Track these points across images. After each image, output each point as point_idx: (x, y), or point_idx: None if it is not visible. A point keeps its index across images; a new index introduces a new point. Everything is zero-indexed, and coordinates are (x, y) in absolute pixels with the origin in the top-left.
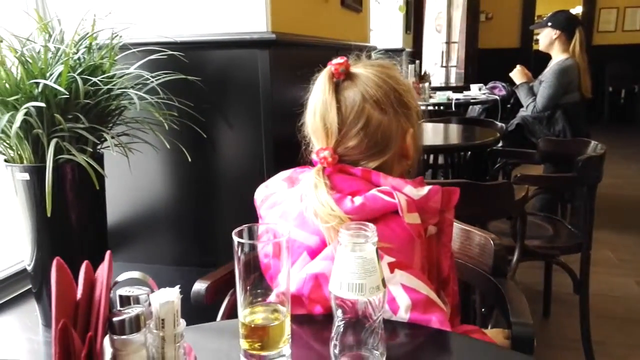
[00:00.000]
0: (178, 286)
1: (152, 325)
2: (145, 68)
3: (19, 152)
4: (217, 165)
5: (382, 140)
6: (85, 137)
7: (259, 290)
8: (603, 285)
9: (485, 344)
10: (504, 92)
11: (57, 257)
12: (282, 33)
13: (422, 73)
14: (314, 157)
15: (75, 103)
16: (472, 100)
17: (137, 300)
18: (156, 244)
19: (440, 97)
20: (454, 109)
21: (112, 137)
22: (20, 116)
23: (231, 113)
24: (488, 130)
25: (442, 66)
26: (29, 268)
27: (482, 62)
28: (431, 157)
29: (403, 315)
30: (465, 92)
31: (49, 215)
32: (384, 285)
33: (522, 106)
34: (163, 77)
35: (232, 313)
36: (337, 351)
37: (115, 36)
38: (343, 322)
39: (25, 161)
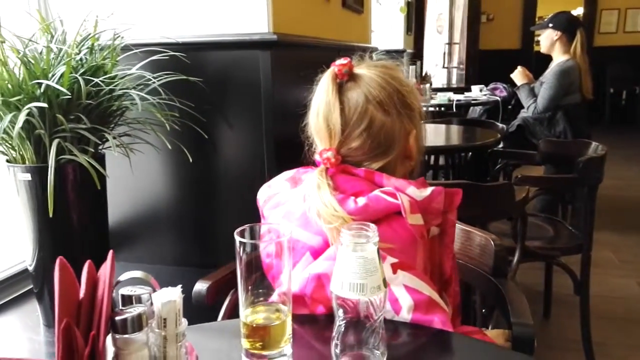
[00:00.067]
0: (180, 285)
1: (154, 324)
2: (147, 69)
3: (21, 153)
4: (218, 166)
5: (385, 141)
6: (87, 137)
7: (260, 290)
8: (604, 286)
9: (486, 344)
10: (504, 93)
11: (60, 257)
12: (283, 34)
13: (423, 74)
14: (317, 157)
15: (77, 103)
16: (473, 102)
17: (139, 300)
18: (157, 244)
19: (441, 98)
20: (454, 110)
21: (114, 138)
22: (22, 117)
23: (232, 114)
24: (489, 131)
25: (443, 67)
26: (31, 268)
27: (483, 63)
28: (432, 158)
29: (405, 315)
30: (466, 93)
31: (50, 215)
32: (385, 285)
33: (523, 107)
34: (165, 78)
35: (233, 313)
36: (338, 351)
37: (117, 37)
38: (344, 321)
39: (27, 161)
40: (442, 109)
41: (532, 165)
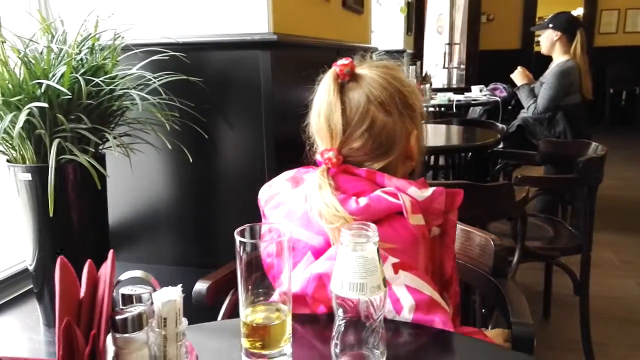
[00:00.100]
0: (180, 285)
1: (155, 323)
2: (147, 69)
3: (21, 152)
4: (218, 166)
5: (387, 141)
6: (87, 137)
7: (260, 290)
8: (603, 287)
9: (487, 344)
10: (504, 94)
11: (61, 256)
12: (283, 34)
13: (423, 74)
14: (318, 157)
15: (78, 103)
16: (473, 102)
17: (139, 299)
18: (157, 244)
19: (441, 98)
20: (454, 110)
21: (114, 138)
22: (23, 116)
23: (232, 113)
24: (489, 131)
25: (444, 67)
26: (31, 268)
27: (483, 64)
28: (432, 158)
29: (406, 315)
30: (466, 94)
31: (51, 215)
32: (385, 284)
33: (523, 107)
34: (165, 78)
35: (232, 313)
36: (338, 350)
37: (118, 37)
38: (344, 321)
39: (27, 161)
40: (442, 109)
41: (532, 166)
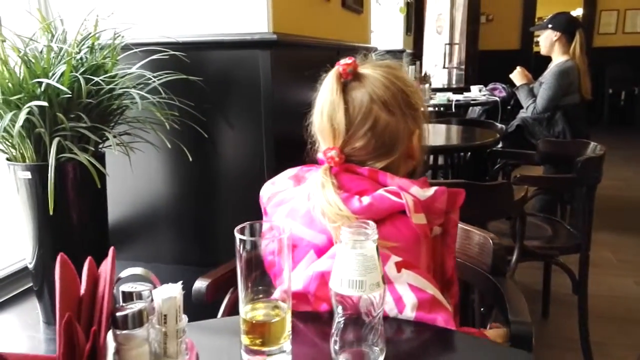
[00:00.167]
0: (180, 282)
1: (155, 320)
2: (147, 68)
3: (21, 151)
4: (217, 165)
5: (390, 141)
6: (87, 136)
7: (260, 287)
8: (602, 286)
9: (486, 341)
10: (504, 94)
11: (62, 253)
12: (283, 34)
13: (423, 74)
14: (320, 156)
15: (78, 102)
16: (472, 102)
17: (139, 296)
18: (157, 242)
19: (440, 98)
20: (454, 110)
21: (114, 137)
22: (22, 115)
23: (232, 113)
24: (488, 131)
25: (444, 67)
26: (30, 266)
27: (482, 64)
28: (431, 157)
29: (409, 314)
30: (466, 94)
31: (51, 213)
32: (384, 282)
33: (522, 107)
34: (165, 77)
35: (232, 311)
36: (337, 347)
37: (118, 36)
38: (343, 318)
39: (27, 160)
40: (442, 109)
41: (531, 165)
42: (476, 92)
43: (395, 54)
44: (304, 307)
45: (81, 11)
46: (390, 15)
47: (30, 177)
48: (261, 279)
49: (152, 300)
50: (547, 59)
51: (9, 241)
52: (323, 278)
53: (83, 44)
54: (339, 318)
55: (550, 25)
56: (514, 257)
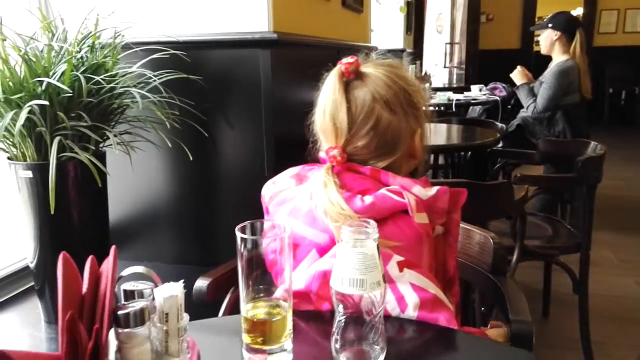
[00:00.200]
0: (182, 281)
1: (156, 318)
2: (148, 67)
3: (22, 150)
4: (218, 164)
5: (392, 140)
6: (87, 135)
7: (261, 286)
8: (602, 285)
9: (488, 341)
10: (504, 93)
11: (64, 252)
12: (283, 33)
13: (423, 74)
14: (322, 155)
15: (78, 101)
16: (472, 101)
17: (141, 295)
18: (157, 242)
19: (440, 97)
20: (454, 109)
21: (115, 136)
22: (23, 114)
23: (232, 112)
24: (488, 130)
25: (444, 67)
26: (32, 265)
27: (482, 63)
28: (432, 157)
29: (411, 313)
30: (466, 93)
31: (52, 212)
32: (385, 281)
33: (522, 107)
34: (165, 76)
35: (233, 310)
36: (338, 346)
37: (118, 35)
38: (344, 317)
39: (28, 159)
40: (442, 108)
41: (532, 165)
42: (476, 92)
43: (396, 53)
44: (306, 306)
45: (82, 10)
46: (391, 15)
47: (31, 176)
48: (262, 277)
49: (153, 298)
50: (548, 59)
51: (10, 240)
52: (325, 277)
53: (84, 43)
54: (339, 317)
55: (550, 25)
56: (515, 257)
